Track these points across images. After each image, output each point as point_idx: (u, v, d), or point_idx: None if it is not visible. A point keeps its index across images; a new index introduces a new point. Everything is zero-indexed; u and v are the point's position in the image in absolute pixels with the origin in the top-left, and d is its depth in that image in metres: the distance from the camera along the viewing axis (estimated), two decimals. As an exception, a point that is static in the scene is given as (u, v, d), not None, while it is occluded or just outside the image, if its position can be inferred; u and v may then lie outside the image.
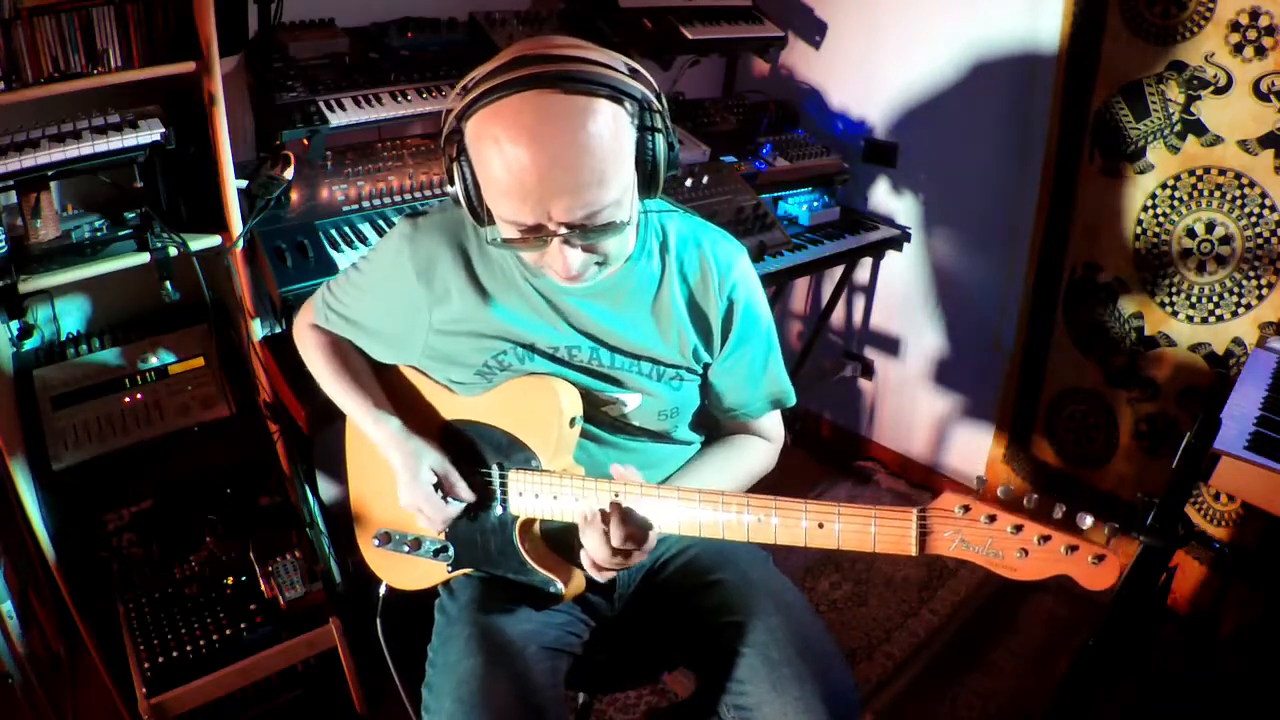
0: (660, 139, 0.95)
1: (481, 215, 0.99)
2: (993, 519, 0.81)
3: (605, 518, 0.99)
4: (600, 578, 1.04)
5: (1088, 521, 0.78)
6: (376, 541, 1.24)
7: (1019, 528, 0.80)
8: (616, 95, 0.89)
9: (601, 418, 1.15)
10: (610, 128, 0.89)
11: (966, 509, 0.83)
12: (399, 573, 1.27)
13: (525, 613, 1.14)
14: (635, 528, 0.99)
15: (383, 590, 1.28)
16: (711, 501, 0.98)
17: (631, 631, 1.26)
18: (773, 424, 1.29)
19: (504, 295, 1.11)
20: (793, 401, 1.26)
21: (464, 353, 1.13)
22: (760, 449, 1.26)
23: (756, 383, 1.21)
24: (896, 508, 0.87)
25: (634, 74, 0.93)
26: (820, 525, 0.91)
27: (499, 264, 1.11)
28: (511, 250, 1.04)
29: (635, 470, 1.04)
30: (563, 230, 0.92)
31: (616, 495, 1.01)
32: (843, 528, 0.90)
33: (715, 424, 1.28)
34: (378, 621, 1.26)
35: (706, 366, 1.18)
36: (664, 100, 0.96)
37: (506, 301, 1.11)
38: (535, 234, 0.93)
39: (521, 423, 1.11)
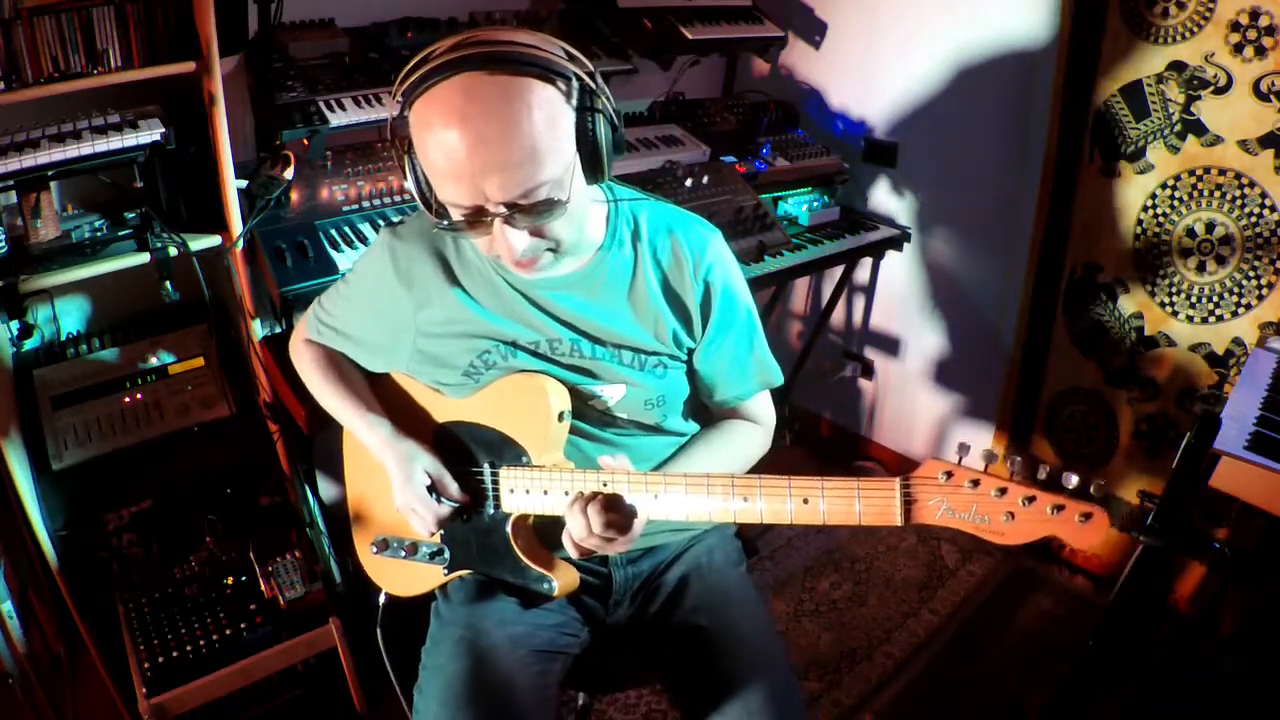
0: (600, 119, 0.95)
1: (432, 205, 0.99)
2: (976, 483, 0.80)
3: (589, 501, 1.00)
4: (575, 554, 1.04)
5: (1073, 480, 0.77)
6: (374, 549, 1.25)
7: (1003, 490, 0.79)
8: (547, 75, 0.90)
9: (589, 412, 1.15)
10: (542, 106, 0.90)
11: (950, 475, 0.81)
12: (397, 579, 1.27)
13: (517, 616, 1.14)
14: (619, 515, 0.99)
15: (382, 599, 1.28)
16: (698, 486, 0.98)
17: (624, 646, 1.27)
18: (762, 407, 1.27)
19: (482, 294, 1.12)
20: (780, 381, 1.25)
21: (450, 354, 1.14)
22: (751, 432, 1.25)
23: (743, 366, 1.21)
24: (880, 479, 0.85)
25: (570, 58, 0.94)
26: (805, 501, 0.91)
27: (475, 264, 1.12)
28: (461, 235, 1.04)
29: (625, 459, 1.03)
30: (501, 210, 0.92)
31: (606, 485, 1.02)
32: (828, 503, 0.89)
33: (706, 412, 1.27)
34: (378, 631, 1.26)
35: (691, 353, 1.18)
36: (600, 81, 0.96)
37: (485, 300, 1.12)
38: (476, 215, 0.94)
39: (511, 420, 1.12)
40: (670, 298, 1.13)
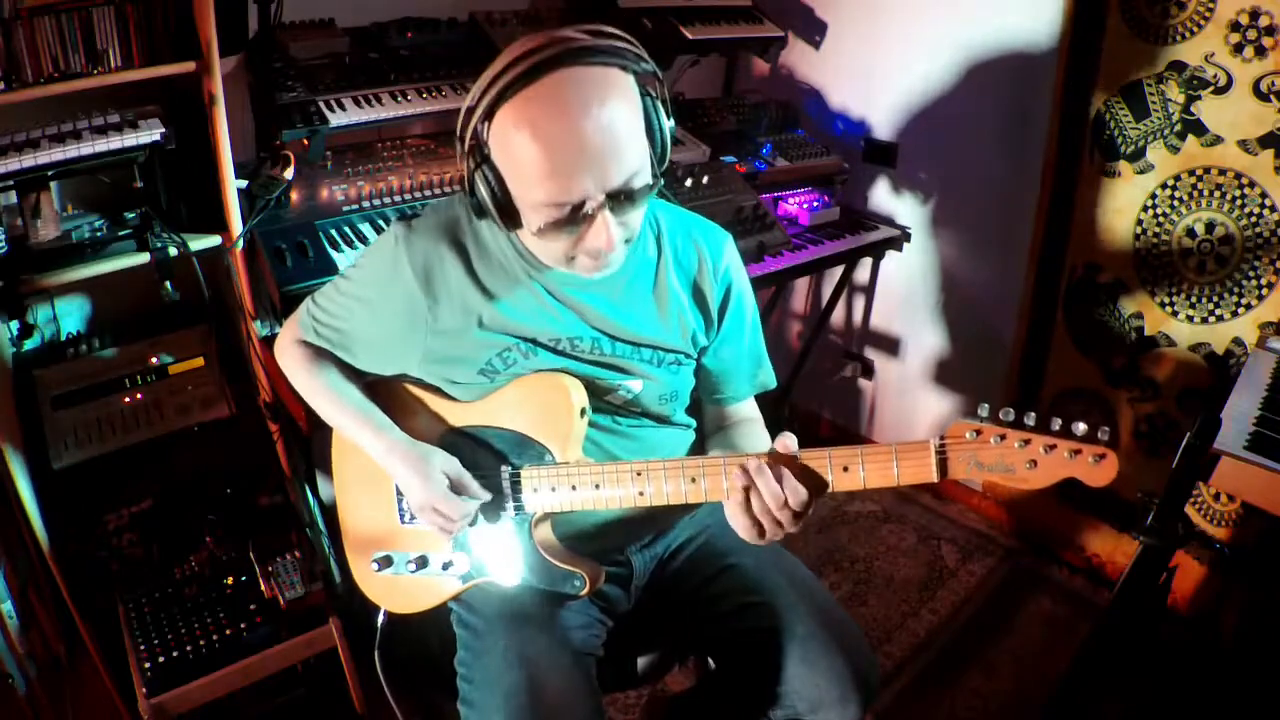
0: (663, 110, 1.00)
1: (512, 216, 1.00)
2: (1002, 438, 0.88)
3: (779, 465, 0.95)
4: (758, 541, 1.00)
5: (1081, 428, 0.86)
6: (375, 566, 1.20)
7: (1026, 441, 0.88)
8: (626, 67, 0.94)
9: (606, 406, 1.16)
10: (628, 96, 0.94)
11: (977, 433, 0.89)
12: (400, 596, 1.23)
13: (550, 620, 1.14)
14: (804, 482, 0.95)
15: (381, 619, 1.25)
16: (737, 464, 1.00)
17: (647, 623, 1.27)
18: (753, 405, 1.33)
19: (506, 292, 1.10)
20: (774, 384, 1.31)
21: (467, 352, 1.12)
22: (759, 427, 1.30)
23: (748, 366, 1.26)
24: (914, 442, 0.92)
25: (637, 53, 0.97)
26: (845, 469, 0.95)
27: (499, 261, 1.11)
28: (549, 238, 0.99)
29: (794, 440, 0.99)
30: (604, 200, 0.94)
31: (639, 473, 1.04)
32: (866, 468, 0.94)
33: (697, 407, 1.31)
34: (376, 654, 1.24)
35: (702, 351, 1.21)
36: (661, 77, 1.00)
37: (508, 297, 1.10)
38: (575, 212, 0.94)
39: (532, 420, 1.11)
40: (696, 297, 1.18)
